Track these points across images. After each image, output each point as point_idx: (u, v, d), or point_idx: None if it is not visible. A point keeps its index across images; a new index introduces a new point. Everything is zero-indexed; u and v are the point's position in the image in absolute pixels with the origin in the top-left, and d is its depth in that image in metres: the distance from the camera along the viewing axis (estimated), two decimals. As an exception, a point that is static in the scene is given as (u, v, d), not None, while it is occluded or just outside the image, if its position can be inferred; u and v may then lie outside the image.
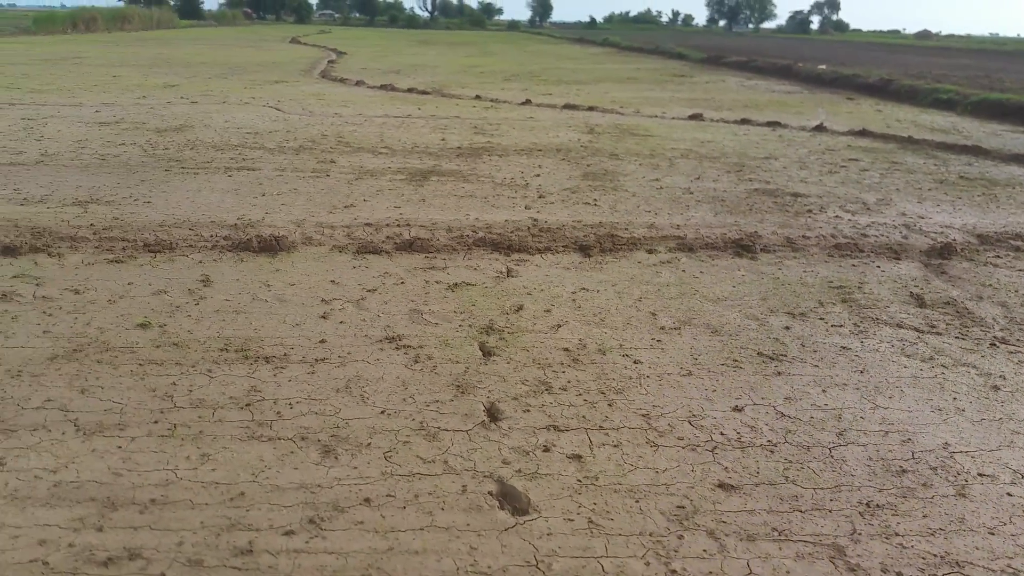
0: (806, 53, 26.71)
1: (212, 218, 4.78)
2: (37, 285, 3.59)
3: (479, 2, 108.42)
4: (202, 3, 75.51)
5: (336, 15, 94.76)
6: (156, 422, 2.44)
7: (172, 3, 66.17)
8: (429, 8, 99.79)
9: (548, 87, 14.07)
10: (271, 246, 4.17)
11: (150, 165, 6.25)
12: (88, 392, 2.62)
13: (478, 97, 11.88)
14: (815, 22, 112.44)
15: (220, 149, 7.03)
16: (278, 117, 9.15)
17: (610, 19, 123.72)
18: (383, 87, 13.06)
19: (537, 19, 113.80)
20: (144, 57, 19.14)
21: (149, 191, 5.42)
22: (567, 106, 11.05)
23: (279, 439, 2.37)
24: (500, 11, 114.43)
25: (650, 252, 4.39)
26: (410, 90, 12.68)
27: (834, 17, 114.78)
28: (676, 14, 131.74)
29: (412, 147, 7.44)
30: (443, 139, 7.94)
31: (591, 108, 10.90)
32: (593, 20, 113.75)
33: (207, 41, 29.92)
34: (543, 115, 10.14)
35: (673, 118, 10.24)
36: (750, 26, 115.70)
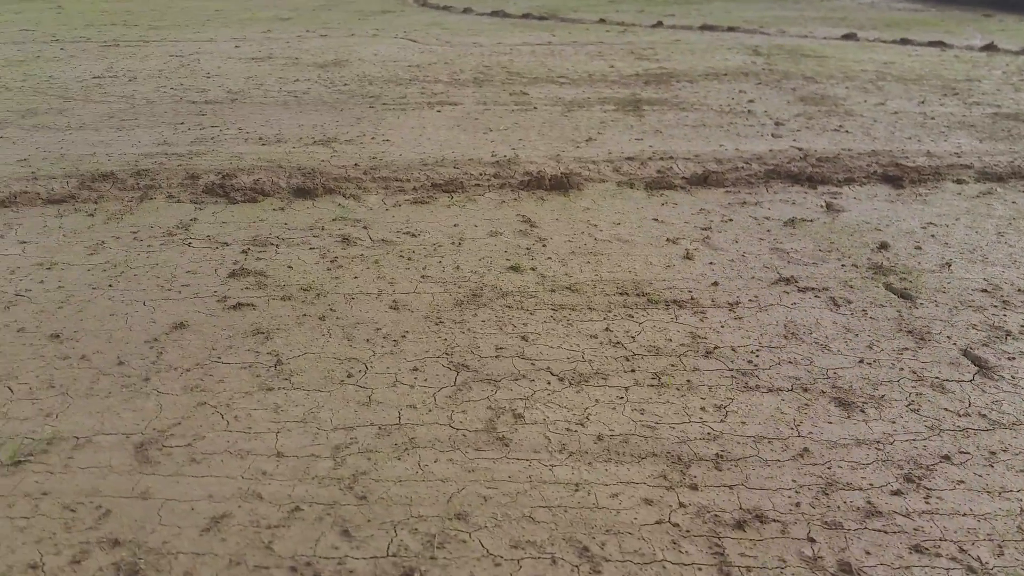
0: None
1: (467, 155, 4.59)
2: (365, 228, 3.48)
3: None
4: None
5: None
6: (633, 371, 2.33)
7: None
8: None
9: (664, 7, 13.27)
10: (562, 184, 3.98)
11: (348, 102, 6.05)
12: (529, 339, 2.52)
13: (603, 20, 11.26)
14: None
15: (398, 83, 6.77)
16: (423, 49, 8.80)
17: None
18: (495, 13, 12.49)
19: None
20: (222, -10, 18.65)
21: (375, 129, 5.23)
22: (704, 27, 10.40)
23: (779, 390, 2.24)
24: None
25: (958, 183, 4.07)
26: (525, 16, 12.08)
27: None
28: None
29: (588, 76, 7.07)
30: (611, 66, 7.52)
31: (731, 29, 10.23)
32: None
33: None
34: (689, 37, 9.56)
35: (825, 38, 9.55)
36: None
